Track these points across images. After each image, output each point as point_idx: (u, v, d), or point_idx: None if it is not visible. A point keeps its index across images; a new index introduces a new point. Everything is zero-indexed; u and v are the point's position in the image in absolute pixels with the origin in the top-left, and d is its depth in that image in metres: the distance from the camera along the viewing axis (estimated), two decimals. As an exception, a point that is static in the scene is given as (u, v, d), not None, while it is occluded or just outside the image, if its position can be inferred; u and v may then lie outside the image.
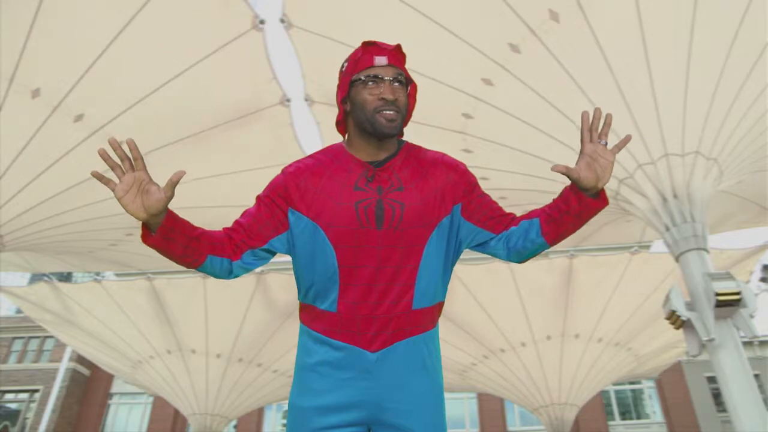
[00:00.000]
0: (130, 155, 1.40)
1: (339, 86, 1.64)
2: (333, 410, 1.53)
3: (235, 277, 1.63)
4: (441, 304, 1.68)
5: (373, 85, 1.55)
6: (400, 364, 1.57)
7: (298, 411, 1.57)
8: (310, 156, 1.69)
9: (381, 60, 1.55)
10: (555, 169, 1.46)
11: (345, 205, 1.54)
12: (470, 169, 1.73)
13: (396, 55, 1.58)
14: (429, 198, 1.58)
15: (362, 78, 1.56)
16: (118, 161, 1.41)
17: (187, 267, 1.57)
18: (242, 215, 1.63)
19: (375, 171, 1.59)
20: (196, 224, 1.55)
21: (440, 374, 1.66)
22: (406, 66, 1.64)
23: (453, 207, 1.62)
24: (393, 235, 1.54)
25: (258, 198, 1.64)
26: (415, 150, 1.68)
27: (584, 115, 1.49)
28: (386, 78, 1.54)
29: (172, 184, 1.39)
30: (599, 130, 1.50)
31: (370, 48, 1.58)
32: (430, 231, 1.58)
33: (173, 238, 1.46)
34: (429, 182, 1.60)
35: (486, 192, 1.71)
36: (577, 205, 1.51)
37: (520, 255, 1.64)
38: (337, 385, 1.55)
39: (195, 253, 1.51)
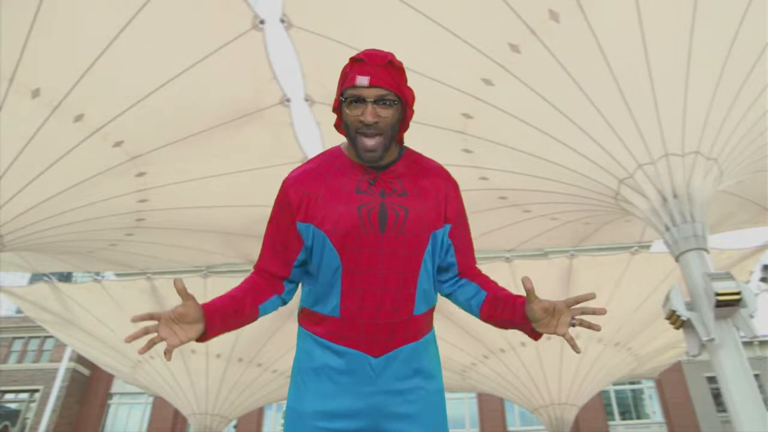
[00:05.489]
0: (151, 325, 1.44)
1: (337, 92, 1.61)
2: (336, 415, 1.52)
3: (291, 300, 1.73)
4: (434, 307, 1.71)
5: (356, 106, 1.49)
6: (402, 369, 1.58)
7: (298, 415, 1.55)
8: (310, 161, 1.67)
9: (362, 80, 1.47)
10: (523, 281, 1.54)
11: (347, 208, 1.54)
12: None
13: (382, 73, 1.48)
14: (430, 207, 1.59)
15: (346, 97, 1.51)
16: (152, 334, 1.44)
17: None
18: (263, 248, 1.67)
19: (377, 174, 1.58)
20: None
21: (441, 377, 1.68)
22: (406, 67, 1.60)
23: (445, 223, 1.63)
24: (395, 240, 1.54)
25: (269, 221, 1.65)
26: (416, 158, 1.68)
27: (589, 295, 1.58)
28: (368, 99, 1.47)
29: (182, 292, 1.43)
30: (582, 312, 1.58)
31: (355, 65, 1.51)
32: (428, 238, 1.59)
33: (224, 324, 1.53)
34: (430, 191, 1.61)
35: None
36: (519, 320, 1.61)
37: (453, 301, 1.74)
38: (340, 390, 1.55)
39: (248, 317, 1.60)
